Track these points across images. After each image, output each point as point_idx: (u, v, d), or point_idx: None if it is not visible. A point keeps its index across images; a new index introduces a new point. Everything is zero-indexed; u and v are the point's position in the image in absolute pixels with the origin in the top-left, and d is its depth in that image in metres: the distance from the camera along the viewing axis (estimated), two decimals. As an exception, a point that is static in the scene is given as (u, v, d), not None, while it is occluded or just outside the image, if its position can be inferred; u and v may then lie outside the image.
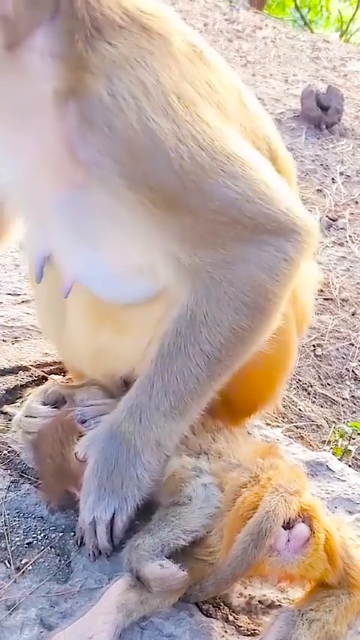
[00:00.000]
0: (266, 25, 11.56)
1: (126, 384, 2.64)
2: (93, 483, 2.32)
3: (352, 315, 4.69)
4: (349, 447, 3.49)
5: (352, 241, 5.57)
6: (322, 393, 4.00)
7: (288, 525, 2.11)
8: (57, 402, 2.71)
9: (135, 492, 2.31)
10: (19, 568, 2.26)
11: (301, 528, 2.12)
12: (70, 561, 2.31)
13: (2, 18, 2.03)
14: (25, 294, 3.65)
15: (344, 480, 2.79)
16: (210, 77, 2.32)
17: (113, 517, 2.29)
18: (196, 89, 2.24)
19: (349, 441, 3.51)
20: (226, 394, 2.44)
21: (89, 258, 2.36)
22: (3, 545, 2.32)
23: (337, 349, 4.34)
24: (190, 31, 2.42)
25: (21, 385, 2.99)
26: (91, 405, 2.53)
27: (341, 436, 3.50)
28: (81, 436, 2.43)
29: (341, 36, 19.97)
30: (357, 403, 3.99)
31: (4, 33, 2.05)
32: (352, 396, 4.04)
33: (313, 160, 6.83)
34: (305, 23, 21.05)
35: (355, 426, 3.57)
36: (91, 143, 2.11)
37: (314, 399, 3.94)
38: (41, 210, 2.33)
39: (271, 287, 2.25)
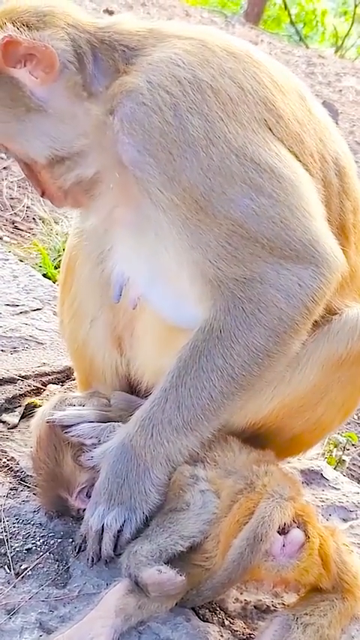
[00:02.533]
0: (262, 40, 11.68)
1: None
2: (103, 495, 2.35)
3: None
4: (344, 457, 3.53)
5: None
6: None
7: (283, 531, 2.15)
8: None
9: (143, 505, 2.34)
10: (18, 573, 2.30)
11: (296, 533, 2.16)
12: (68, 567, 2.35)
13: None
14: (23, 305, 3.70)
15: (338, 489, 2.83)
16: (258, 73, 2.32)
17: (121, 527, 2.33)
18: (239, 84, 2.26)
19: (343, 451, 3.55)
20: (299, 431, 2.50)
21: (148, 276, 2.42)
22: (3, 550, 2.36)
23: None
24: (229, 35, 2.48)
25: (19, 395, 3.03)
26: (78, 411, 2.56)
27: (335, 446, 3.54)
28: (82, 444, 2.46)
29: (336, 51, 20.12)
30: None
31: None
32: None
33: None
34: (300, 38, 21.19)
35: (349, 436, 3.61)
36: (132, 142, 2.21)
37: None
38: (116, 233, 2.41)
39: (285, 310, 2.24)
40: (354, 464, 3.90)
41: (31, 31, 2.26)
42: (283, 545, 2.14)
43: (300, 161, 2.35)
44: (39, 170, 2.43)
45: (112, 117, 2.24)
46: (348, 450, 3.85)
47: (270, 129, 2.29)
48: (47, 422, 2.50)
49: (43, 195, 2.52)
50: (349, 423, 4.13)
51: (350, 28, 21.09)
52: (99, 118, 2.28)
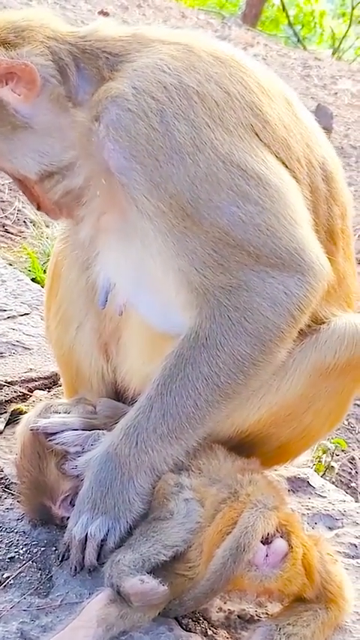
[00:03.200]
0: (258, 42, 11.68)
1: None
2: (87, 504, 2.33)
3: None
4: (332, 464, 3.52)
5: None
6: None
7: (266, 540, 2.14)
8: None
9: (127, 515, 2.32)
10: (0, 582, 2.28)
11: (279, 543, 2.15)
12: (51, 576, 2.33)
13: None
14: (11, 309, 3.69)
15: (324, 497, 2.82)
16: (244, 77, 2.31)
17: (105, 536, 2.31)
18: (225, 89, 2.25)
19: (332, 457, 3.54)
20: (286, 440, 2.50)
21: (134, 283, 2.41)
22: (-15, 559, 2.34)
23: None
24: (214, 39, 2.47)
25: (5, 401, 3.02)
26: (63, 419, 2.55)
27: (324, 452, 3.53)
28: (66, 452, 2.45)
29: (334, 53, 20.12)
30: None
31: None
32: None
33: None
34: (298, 40, 21.19)
35: (338, 443, 3.60)
36: (118, 149, 2.20)
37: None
38: (103, 239, 2.41)
39: (271, 318, 2.24)
40: (343, 470, 3.89)
41: (9, 50, 2.27)
42: (266, 555, 2.13)
43: (287, 167, 2.34)
44: (32, 185, 2.43)
45: (97, 123, 2.23)
46: (338, 455, 3.85)
47: (257, 134, 2.28)
48: (31, 429, 2.49)
49: (38, 208, 2.52)
50: (339, 429, 4.12)
51: (348, 30, 21.09)
52: (84, 124, 2.27)
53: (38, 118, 2.30)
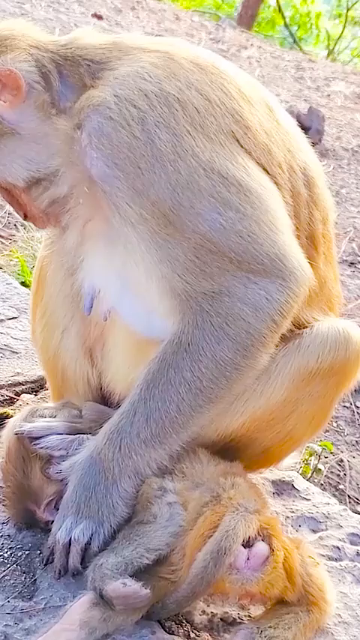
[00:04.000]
0: (252, 44, 11.68)
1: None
2: (71, 508, 2.34)
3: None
4: (320, 466, 3.54)
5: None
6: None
7: (248, 544, 2.16)
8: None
9: (111, 519, 2.34)
10: (-16, 586, 2.30)
11: (260, 547, 2.16)
12: (35, 579, 2.35)
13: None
14: (-1, 314, 3.70)
15: (309, 499, 2.84)
16: (225, 84, 2.33)
17: (89, 540, 2.32)
18: (206, 96, 2.27)
19: (319, 459, 3.56)
20: (270, 444, 2.52)
21: (118, 289, 2.42)
22: (-30, 562, 2.36)
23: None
24: (195, 46, 2.49)
25: (-7, 404, 3.03)
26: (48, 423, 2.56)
27: (311, 455, 3.55)
28: (50, 456, 2.46)
29: (329, 54, 20.14)
30: (329, 422, 4.04)
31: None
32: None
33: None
34: (294, 41, 21.21)
35: (325, 445, 3.61)
36: (100, 157, 2.22)
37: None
38: (87, 246, 2.42)
39: (253, 323, 2.25)
40: (332, 472, 3.91)
41: None
42: (248, 559, 2.14)
43: (268, 172, 2.36)
44: (19, 194, 2.44)
45: (79, 131, 2.25)
46: (326, 457, 3.86)
47: (238, 140, 2.30)
48: (15, 434, 2.50)
49: (25, 218, 2.54)
50: (328, 432, 4.13)
51: (343, 31, 21.12)
52: (67, 133, 2.29)
53: (24, 124, 2.32)
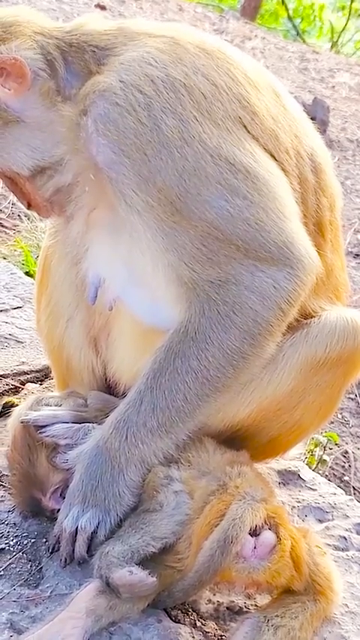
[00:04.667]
0: (256, 35, 11.64)
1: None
2: (77, 497, 2.34)
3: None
4: (325, 457, 3.53)
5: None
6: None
7: (254, 532, 2.15)
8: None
9: (117, 507, 2.33)
10: (-10, 573, 2.30)
11: (267, 535, 2.16)
12: (41, 567, 2.34)
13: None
14: (3, 302, 3.69)
15: (315, 489, 2.83)
16: (232, 69, 2.31)
17: (95, 529, 2.32)
18: (213, 81, 2.25)
19: (324, 450, 3.55)
20: (276, 434, 2.51)
21: (123, 278, 2.41)
22: (-25, 550, 2.35)
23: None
24: (201, 31, 2.47)
25: (-3, 393, 3.03)
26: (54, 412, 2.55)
27: (316, 446, 3.54)
28: (56, 445, 2.46)
29: (332, 47, 20.06)
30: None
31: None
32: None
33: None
34: (298, 33, 21.12)
35: (330, 436, 3.60)
36: (106, 143, 2.20)
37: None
38: (92, 234, 2.41)
39: (260, 311, 2.24)
40: (337, 463, 3.91)
41: None
42: (254, 547, 2.14)
43: (275, 158, 2.34)
44: (23, 183, 2.43)
45: (85, 117, 2.23)
46: (331, 449, 3.86)
47: (245, 126, 2.28)
48: (21, 422, 2.49)
49: (29, 207, 2.52)
50: (333, 423, 4.13)
51: (347, 23, 21.02)
52: (72, 119, 2.27)
53: (29, 112, 2.30)
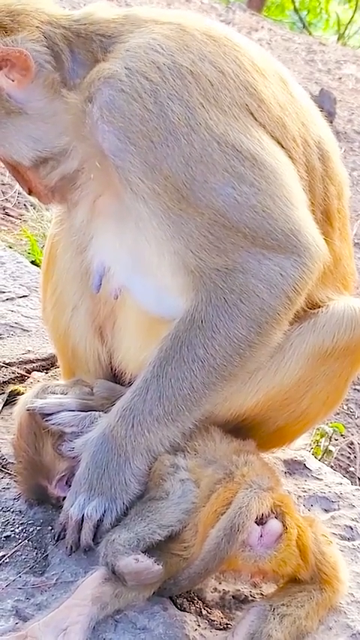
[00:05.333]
0: (262, 27, 11.61)
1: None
2: (84, 485, 2.34)
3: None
4: (330, 448, 3.52)
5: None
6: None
7: (261, 521, 2.14)
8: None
9: (123, 496, 2.33)
10: (-4, 561, 2.30)
11: (273, 524, 2.15)
12: (47, 554, 2.35)
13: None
14: (9, 291, 3.69)
15: (321, 479, 2.83)
16: (239, 56, 2.29)
17: (101, 517, 2.31)
18: (220, 68, 2.23)
19: (330, 441, 3.54)
20: (283, 423, 2.51)
21: (129, 267, 2.40)
22: (-19, 538, 2.35)
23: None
24: (207, 18, 2.44)
25: (3, 382, 3.02)
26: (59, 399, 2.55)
27: (322, 436, 3.53)
28: (62, 433, 2.46)
29: (339, 39, 19.97)
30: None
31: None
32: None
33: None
34: (304, 25, 21.03)
35: (336, 427, 3.60)
36: (112, 130, 2.19)
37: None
38: (97, 223, 2.40)
39: (267, 300, 2.23)
40: (342, 454, 3.90)
41: (4, 36, 2.26)
42: (261, 536, 2.13)
43: (282, 146, 2.33)
44: (24, 171, 2.42)
45: (90, 104, 2.22)
46: (336, 440, 3.85)
47: (252, 114, 2.27)
48: (27, 410, 2.49)
49: (30, 193, 2.52)
50: (338, 414, 4.12)
51: (353, 16, 20.92)
52: (77, 106, 2.26)
53: (32, 103, 2.30)
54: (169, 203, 2.19)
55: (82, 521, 2.32)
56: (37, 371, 3.12)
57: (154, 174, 2.18)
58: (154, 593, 2.20)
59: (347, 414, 4.19)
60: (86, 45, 2.31)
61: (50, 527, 2.42)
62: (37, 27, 2.29)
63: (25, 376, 3.08)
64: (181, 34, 2.25)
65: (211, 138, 2.17)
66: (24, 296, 3.68)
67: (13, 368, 3.10)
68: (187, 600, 2.29)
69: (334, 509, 2.70)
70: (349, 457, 3.92)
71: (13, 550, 2.34)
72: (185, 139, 2.16)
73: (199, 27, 2.30)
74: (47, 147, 2.33)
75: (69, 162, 2.34)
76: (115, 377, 2.78)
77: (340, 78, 9.88)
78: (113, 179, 2.25)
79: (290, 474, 2.83)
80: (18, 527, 2.41)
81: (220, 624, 2.24)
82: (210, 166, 2.17)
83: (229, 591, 2.34)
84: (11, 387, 2.98)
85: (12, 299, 3.65)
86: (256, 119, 2.27)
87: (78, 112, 2.26)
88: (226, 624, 2.24)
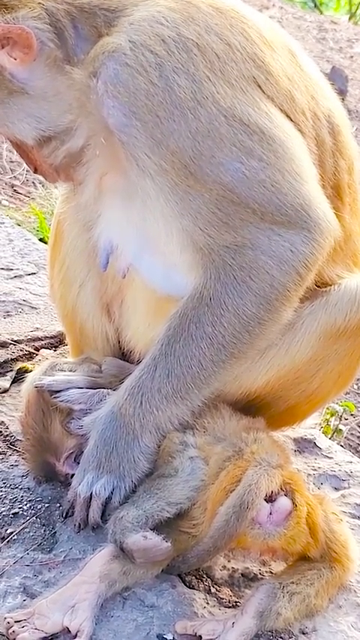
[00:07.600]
0: (273, 4, 11.48)
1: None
2: (92, 462, 2.33)
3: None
4: (341, 427, 3.50)
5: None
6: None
7: (270, 498, 2.13)
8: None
9: (132, 474, 2.32)
10: (4, 537, 2.30)
11: (283, 501, 2.13)
12: (55, 532, 2.34)
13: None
14: (18, 269, 3.68)
15: (331, 457, 2.81)
16: (246, 28, 2.24)
17: (110, 495, 2.31)
18: (226, 40, 2.19)
19: (340, 420, 3.52)
20: (294, 402, 2.49)
21: (136, 244, 2.37)
22: (-11, 514, 2.35)
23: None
24: None
25: (11, 359, 3.01)
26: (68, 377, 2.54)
27: (332, 415, 3.51)
28: (70, 410, 2.44)
29: (350, 18, 19.78)
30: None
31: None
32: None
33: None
34: (315, 5, 20.84)
35: (347, 406, 3.57)
36: (117, 105, 2.15)
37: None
38: (104, 200, 2.36)
39: (277, 276, 2.20)
40: (352, 433, 3.88)
41: (5, 14, 2.21)
42: (270, 513, 2.12)
43: (291, 119, 2.29)
44: (29, 149, 2.39)
45: (95, 79, 2.18)
46: (346, 419, 3.83)
47: (259, 86, 2.22)
48: (36, 387, 2.48)
49: (35, 171, 2.49)
50: (348, 393, 4.09)
51: (365, -6, 20.71)
52: (82, 81, 2.21)
53: (35, 82, 2.26)
54: (177, 179, 2.16)
55: (91, 498, 2.31)
56: (46, 348, 3.10)
57: (160, 149, 2.14)
58: (162, 570, 2.20)
59: (358, 393, 4.17)
60: (90, 20, 2.25)
61: (58, 505, 2.42)
62: (38, 3, 2.24)
63: (34, 354, 3.07)
64: (187, 6, 2.20)
65: (218, 112, 2.13)
66: (32, 273, 3.67)
67: (22, 345, 3.09)
68: (196, 578, 2.28)
69: (345, 488, 2.68)
70: (359, 436, 3.90)
71: (21, 527, 2.33)
72: (192, 114, 2.12)
73: None
74: (50, 126, 2.29)
75: (74, 140, 2.31)
76: (124, 355, 2.76)
77: (352, 56, 9.76)
78: (119, 155, 2.22)
79: (300, 453, 2.81)
80: (26, 505, 2.40)
81: (229, 602, 2.23)
82: (217, 141, 2.14)
83: (238, 569, 2.33)
84: (19, 365, 2.97)
85: (20, 276, 3.63)
86: (264, 92, 2.23)
87: (83, 88, 2.22)
88: (235, 602, 2.23)
